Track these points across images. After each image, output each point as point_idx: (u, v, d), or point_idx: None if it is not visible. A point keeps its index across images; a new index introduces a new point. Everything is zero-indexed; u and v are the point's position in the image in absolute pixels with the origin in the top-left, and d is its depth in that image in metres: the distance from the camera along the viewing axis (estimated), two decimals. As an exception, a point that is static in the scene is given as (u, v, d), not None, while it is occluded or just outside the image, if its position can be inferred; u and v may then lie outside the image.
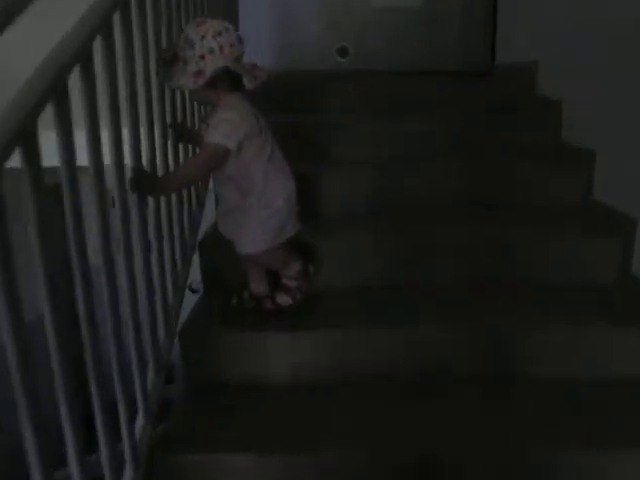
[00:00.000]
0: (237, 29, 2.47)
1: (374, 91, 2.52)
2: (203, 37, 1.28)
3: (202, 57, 1.27)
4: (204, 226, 1.87)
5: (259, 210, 1.51)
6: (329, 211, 2.00)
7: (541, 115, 2.45)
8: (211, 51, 1.27)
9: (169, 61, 1.31)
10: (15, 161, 0.83)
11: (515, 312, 1.69)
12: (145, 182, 1.25)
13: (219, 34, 1.29)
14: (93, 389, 1.03)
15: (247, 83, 1.35)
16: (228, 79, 1.36)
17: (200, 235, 1.86)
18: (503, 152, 2.22)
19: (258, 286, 1.72)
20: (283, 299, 1.66)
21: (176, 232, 1.55)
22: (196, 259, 1.79)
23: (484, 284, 1.78)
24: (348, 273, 1.79)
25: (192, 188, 1.74)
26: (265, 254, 1.60)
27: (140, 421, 1.26)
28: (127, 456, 1.13)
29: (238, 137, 1.37)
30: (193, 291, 1.88)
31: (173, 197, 1.50)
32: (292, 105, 2.46)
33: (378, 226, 1.93)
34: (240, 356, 1.56)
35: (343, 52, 3.41)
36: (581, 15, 2.51)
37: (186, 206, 1.68)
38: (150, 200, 1.30)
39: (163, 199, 1.40)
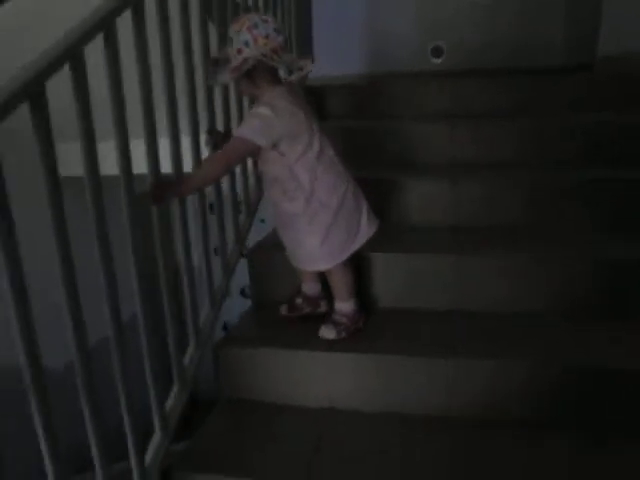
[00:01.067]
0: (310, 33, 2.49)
1: (466, 92, 2.30)
2: (239, 32, 1.26)
3: (239, 51, 1.25)
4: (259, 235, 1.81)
5: (311, 219, 1.39)
6: (407, 220, 1.85)
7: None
8: (246, 44, 1.24)
9: (221, 62, 1.30)
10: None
11: None
12: (164, 187, 1.22)
13: (255, 26, 1.25)
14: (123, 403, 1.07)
15: (284, 74, 1.29)
16: (267, 72, 1.30)
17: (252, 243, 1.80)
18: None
19: (311, 286, 1.59)
20: (325, 332, 1.48)
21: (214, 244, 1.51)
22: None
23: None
24: (414, 295, 1.62)
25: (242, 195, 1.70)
26: (333, 271, 1.47)
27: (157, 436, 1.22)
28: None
29: (272, 135, 1.29)
30: (245, 296, 1.81)
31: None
32: (375, 109, 2.34)
33: (458, 244, 1.69)
34: (276, 375, 1.47)
35: (438, 52, 3.23)
36: None
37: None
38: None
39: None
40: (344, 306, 1.51)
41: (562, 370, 1.34)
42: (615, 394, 1.31)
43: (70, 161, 1.06)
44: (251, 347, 1.50)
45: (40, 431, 0.85)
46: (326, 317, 1.53)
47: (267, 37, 1.25)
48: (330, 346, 1.45)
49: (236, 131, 1.34)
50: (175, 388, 1.31)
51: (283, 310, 1.61)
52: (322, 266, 1.48)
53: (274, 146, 1.32)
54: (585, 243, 1.65)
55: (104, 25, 0.96)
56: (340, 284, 1.51)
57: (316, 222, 1.41)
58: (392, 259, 1.63)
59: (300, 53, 2.22)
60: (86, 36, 0.91)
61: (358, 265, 1.59)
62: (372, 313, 1.60)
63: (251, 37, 1.24)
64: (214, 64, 1.33)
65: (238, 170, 1.68)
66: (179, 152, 1.29)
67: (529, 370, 1.35)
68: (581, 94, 2.20)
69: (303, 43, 2.34)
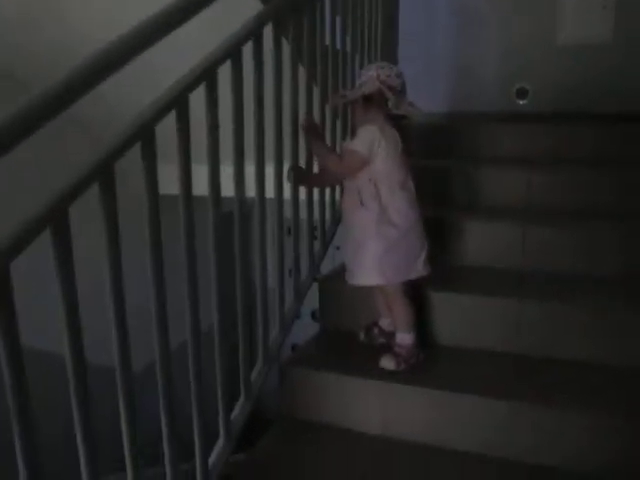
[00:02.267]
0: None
1: (544, 137, 2.31)
2: (368, 69, 1.59)
3: (365, 82, 1.54)
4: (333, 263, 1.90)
5: (379, 227, 1.51)
6: (467, 262, 1.88)
7: None
8: (370, 77, 1.52)
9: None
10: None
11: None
12: (311, 129, 1.55)
13: (381, 67, 1.55)
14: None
15: (391, 106, 1.50)
16: (381, 103, 1.52)
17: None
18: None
19: (386, 322, 1.67)
20: (386, 363, 1.54)
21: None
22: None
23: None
24: (474, 335, 1.64)
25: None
26: (389, 294, 1.57)
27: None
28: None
29: (374, 149, 1.49)
30: (316, 319, 1.89)
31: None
32: (452, 149, 2.39)
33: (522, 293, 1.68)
34: (335, 398, 1.53)
35: (522, 93, 3.23)
36: None
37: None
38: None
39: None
40: (404, 337, 1.56)
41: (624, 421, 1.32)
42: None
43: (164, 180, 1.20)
44: (314, 369, 1.58)
45: (124, 426, 0.98)
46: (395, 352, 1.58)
47: (388, 76, 1.51)
48: (387, 376, 1.50)
49: (350, 144, 1.55)
50: (241, 400, 1.41)
51: (361, 336, 1.71)
52: (374, 280, 1.55)
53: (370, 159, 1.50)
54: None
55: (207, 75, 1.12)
56: (400, 314, 1.57)
57: (383, 234, 1.52)
58: (455, 299, 1.68)
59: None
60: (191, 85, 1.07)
61: (422, 304, 1.65)
62: (433, 350, 1.63)
63: (376, 73, 1.52)
64: (342, 96, 1.66)
65: (316, 197, 1.79)
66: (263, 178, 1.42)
67: (588, 421, 1.34)
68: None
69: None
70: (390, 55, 2.43)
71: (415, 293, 1.62)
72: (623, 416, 1.33)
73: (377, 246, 1.52)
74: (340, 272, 1.81)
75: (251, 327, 1.43)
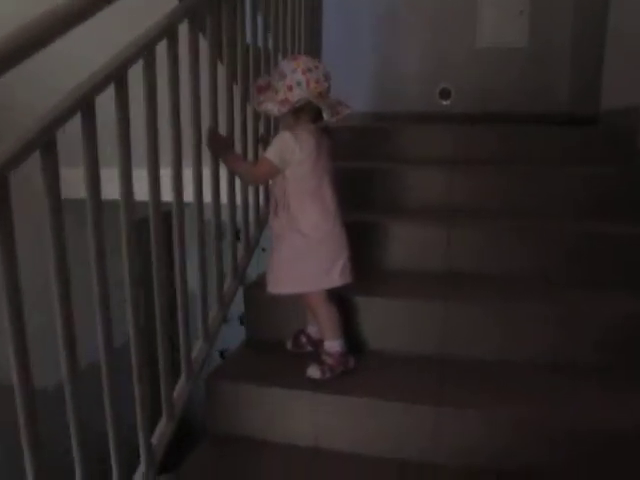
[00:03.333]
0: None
1: (464, 138, 2.35)
2: (294, 70, 1.38)
3: (290, 88, 1.38)
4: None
5: (289, 235, 1.47)
6: (393, 266, 1.88)
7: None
8: (298, 84, 1.37)
9: (263, 88, 1.44)
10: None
11: None
12: (215, 142, 1.45)
13: (309, 70, 1.38)
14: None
15: (327, 116, 1.39)
16: (310, 111, 1.42)
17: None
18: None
19: (313, 329, 1.64)
20: (311, 371, 1.50)
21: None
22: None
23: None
24: (402, 339, 1.63)
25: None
26: (310, 302, 1.53)
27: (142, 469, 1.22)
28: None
29: (287, 160, 1.42)
30: (243, 324, 1.83)
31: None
32: (375, 150, 2.39)
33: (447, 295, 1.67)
34: (264, 411, 1.48)
35: (445, 94, 3.30)
36: None
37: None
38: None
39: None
40: (330, 345, 1.53)
41: (551, 425, 1.34)
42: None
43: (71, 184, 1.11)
44: (242, 382, 1.52)
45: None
46: (321, 360, 1.54)
47: (317, 82, 1.38)
48: (316, 386, 1.46)
49: (265, 152, 1.46)
50: (163, 420, 1.32)
51: (289, 344, 1.66)
52: (281, 289, 1.53)
53: (283, 168, 1.44)
54: (574, 299, 1.66)
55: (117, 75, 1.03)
56: (325, 322, 1.53)
57: (291, 242, 1.48)
58: (380, 303, 1.66)
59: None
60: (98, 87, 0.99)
61: (349, 309, 1.63)
62: (363, 356, 1.61)
63: (305, 79, 1.37)
64: (259, 91, 1.45)
65: (239, 200, 1.72)
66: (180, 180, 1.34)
67: (512, 419, 1.35)
68: (581, 146, 2.24)
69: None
70: (314, 49, 2.39)
71: (340, 299, 1.59)
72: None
73: (284, 254, 1.50)
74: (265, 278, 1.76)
75: (172, 339, 1.35)
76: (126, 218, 1.12)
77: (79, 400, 0.99)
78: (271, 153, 1.43)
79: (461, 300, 1.63)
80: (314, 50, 2.39)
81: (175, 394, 1.37)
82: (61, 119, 0.90)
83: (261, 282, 1.75)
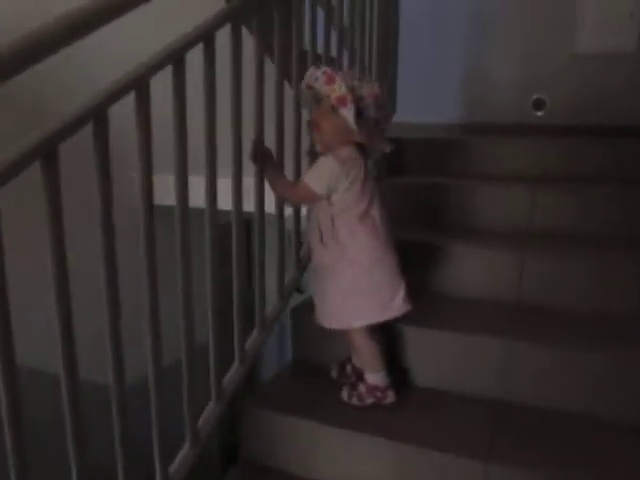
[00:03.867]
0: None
1: (555, 152, 2.11)
2: (355, 84, 1.25)
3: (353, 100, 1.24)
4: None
5: (339, 268, 1.33)
6: (453, 294, 1.68)
7: None
8: (362, 98, 1.24)
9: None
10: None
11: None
12: (259, 154, 1.33)
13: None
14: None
15: (364, 140, 1.27)
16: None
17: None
18: None
19: (378, 373, 1.43)
20: (343, 393, 1.41)
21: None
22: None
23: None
24: (454, 377, 1.45)
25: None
26: (350, 334, 1.39)
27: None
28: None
29: (331, 188, 1.28)
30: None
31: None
32: (452, 164, 2.21)
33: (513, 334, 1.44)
34: (297, 444, 1.35)
35: (539, 105, 3.02)
36: None
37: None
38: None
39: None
40: (370, 377, 1.40)
41: None
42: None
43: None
44: (280, 412, 1.41)
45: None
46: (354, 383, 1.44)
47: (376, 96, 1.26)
48: (355, 424, 1.32)
49: (306, 176, 1.32)
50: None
51: (334, 373, 1.53)
52: (335, 325, 1.40)
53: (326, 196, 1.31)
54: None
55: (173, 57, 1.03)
56: (364, 355, 1.41)
57: (343, 278, 1.34)
58: (436, 336, 1.48)
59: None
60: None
61: (398, 337, 1.49)
62: (409, 392, 1.46)
63: (366, 94, 1.24)
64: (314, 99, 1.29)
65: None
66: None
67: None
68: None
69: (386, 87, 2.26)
70: (387, 61, 2.25)
71: (388, 328, 1.45)
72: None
73: (336, 290, 1.36)
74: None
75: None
76: (210, 225, 1.17)
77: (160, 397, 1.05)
78: (313, 180, 1.29)
79: (529, 339, 1.41)
80: (387, 59, 2.24)
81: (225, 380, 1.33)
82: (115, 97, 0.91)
83: (308, 304, 1.65)
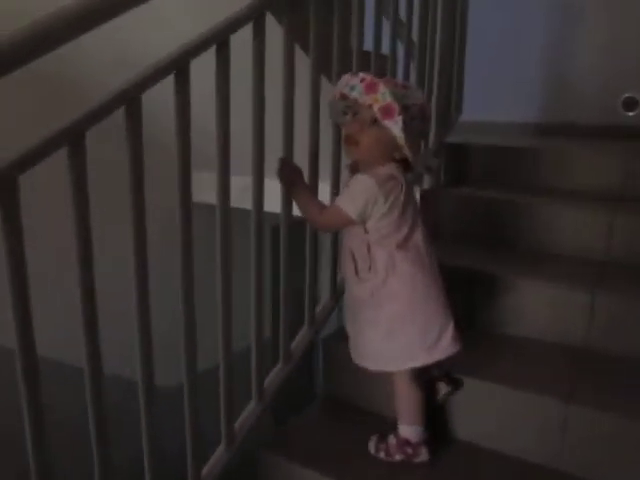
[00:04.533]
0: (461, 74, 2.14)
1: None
2: (404, 94, 1.07)
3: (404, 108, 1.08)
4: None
5: (377, 305, 1.15)
6: (510, 333, 1.45)
7: None
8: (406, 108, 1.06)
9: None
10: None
11: None
12: (287, 173, 1.20)
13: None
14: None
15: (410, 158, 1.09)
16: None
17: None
18: None
19: (413, 426, 1.22)
20: (370, 443, 1.24)
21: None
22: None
23: None
24: (503, 436, 1.23)
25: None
26: (395, 381, 1.21)
27: None
28: None
29: (367, 212, 1.09)
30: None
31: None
32: (522, 175, 1.93)
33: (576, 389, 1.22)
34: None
35: (631, 104, 2.66)
36: None
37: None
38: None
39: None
40: (403, 430, 1.22)
41: None
42: None
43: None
44: (297, 464, 1.24)
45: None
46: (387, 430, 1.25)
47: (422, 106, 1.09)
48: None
49: (338, 198, 1.15)
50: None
51: (371, 446, 1.25)
52: (381, 366, 1.20)
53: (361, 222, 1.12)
54: None
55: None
56: (403, 403, 1.22)
57: (382, 313, 1.16)
58: (485, 388, 1.26)
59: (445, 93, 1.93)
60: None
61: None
62: (447, 447, 1.26)
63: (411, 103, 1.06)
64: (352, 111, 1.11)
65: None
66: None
67: None
68: None
69: (451, 85, 2.03)
70: (452, 55, 2.00)
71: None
72: None
73: (373, 328, 1.17)
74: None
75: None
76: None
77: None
78: (347, 203, 1.11)
79: (590, 403, 1.16)
80: (452, 53, 1.99)
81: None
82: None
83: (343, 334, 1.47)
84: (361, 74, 1.06)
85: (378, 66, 1.48)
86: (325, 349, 1.47)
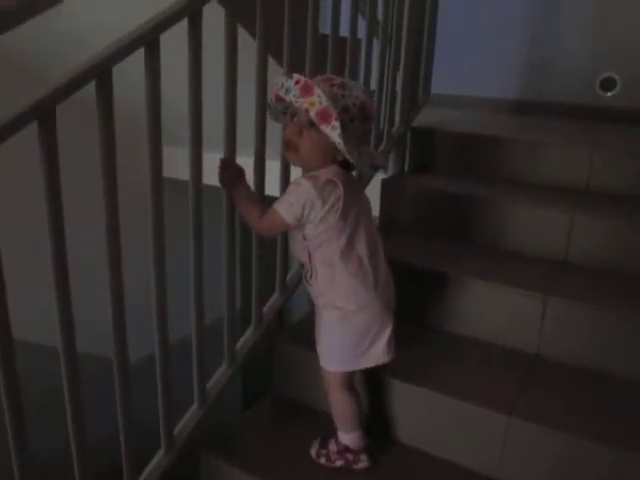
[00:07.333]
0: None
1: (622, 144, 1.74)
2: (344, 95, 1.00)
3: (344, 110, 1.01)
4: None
5: (324, 307, 1.13)
6: (461, 335, 1.42)
7: None
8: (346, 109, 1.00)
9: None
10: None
11: None
12: (227, 176, 1.14)
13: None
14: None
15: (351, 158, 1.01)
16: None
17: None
18: None
19: (351, 434, 1.21)
20: (312, 448, 1.24)
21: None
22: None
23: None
24: (444, 442, 1.22)
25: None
26: (327, 385, 1.18)
27: None
28: None
29: (304, 217, 1.03)
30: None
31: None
32: (485, 164, 1.87)
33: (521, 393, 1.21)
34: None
35: (608, 84, 2.59)
36: None
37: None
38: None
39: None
40: (341, 437, 1.21)
41: None
42: None
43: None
44: (237, 468, 1.22)
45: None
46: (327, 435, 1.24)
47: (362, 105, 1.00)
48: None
49: (275, 202, 1.08)
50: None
51: (312, 451, 1.25)
52: (328, 366, 1.18)
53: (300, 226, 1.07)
54: None
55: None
56: (336, 409, 1.20)
57: (324, 320, 1.15)
58: (426, 396, 1.23)
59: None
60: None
61: (383, 390, 1.26)
62: (389, 450, 1.25)
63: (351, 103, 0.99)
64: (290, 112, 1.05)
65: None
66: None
67: None
68: None
69: (418, 66, 1.94)
70: (420, 30, 1.90)
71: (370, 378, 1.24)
72: None
73: (321, 328, 1.17)
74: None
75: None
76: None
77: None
78: (283, 206, 1.05)
79: (533, 418, 1.14)
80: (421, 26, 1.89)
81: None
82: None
83: (294, 334, 1.44)
84: (295, 75, 0.98)
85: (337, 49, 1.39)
86: (277, 348, 1.44)
